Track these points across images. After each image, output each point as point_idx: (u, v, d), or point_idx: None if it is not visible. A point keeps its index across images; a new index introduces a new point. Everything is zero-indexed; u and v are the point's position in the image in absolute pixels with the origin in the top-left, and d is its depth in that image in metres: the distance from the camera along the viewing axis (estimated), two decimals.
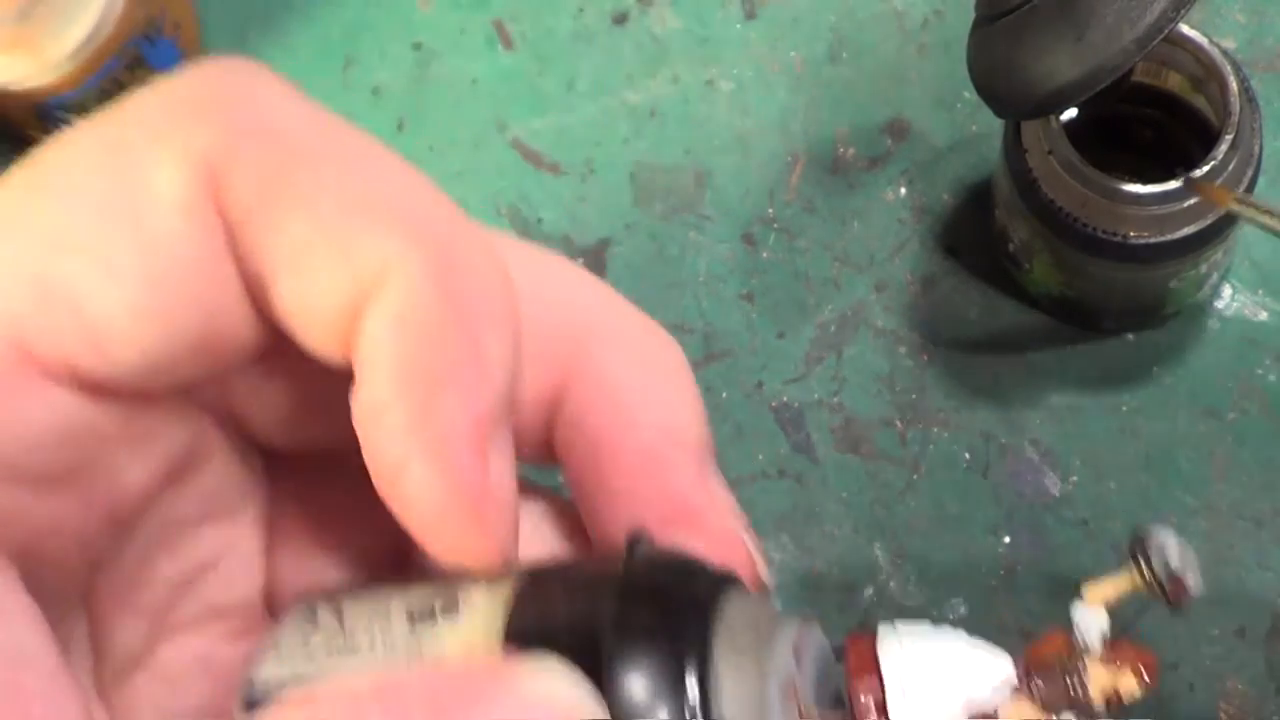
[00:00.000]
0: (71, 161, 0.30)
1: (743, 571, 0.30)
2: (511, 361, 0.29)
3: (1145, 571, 0.29)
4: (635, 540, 0.28)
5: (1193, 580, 0.29)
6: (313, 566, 0.36)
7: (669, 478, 0.31)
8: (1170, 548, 0.29)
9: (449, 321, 0.29)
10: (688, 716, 0.26)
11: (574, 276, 0.33)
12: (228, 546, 0.34)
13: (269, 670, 0.30)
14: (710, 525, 0.31)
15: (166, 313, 0.29)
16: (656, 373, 0.32)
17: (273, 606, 0.36)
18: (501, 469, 0.29)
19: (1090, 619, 0.29)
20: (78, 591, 0.31)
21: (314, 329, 0.29)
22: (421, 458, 0.28)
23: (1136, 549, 0.29)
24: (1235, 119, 0.46)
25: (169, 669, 0.33)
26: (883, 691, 0.28)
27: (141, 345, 0.29)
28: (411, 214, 0.30)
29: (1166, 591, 0.29)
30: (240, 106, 0.30)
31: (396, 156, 0.30)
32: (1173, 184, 0.46)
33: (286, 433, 0.34)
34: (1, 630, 0.28)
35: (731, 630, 0.27)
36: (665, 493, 0.31)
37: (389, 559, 0.37)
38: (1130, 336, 0.53)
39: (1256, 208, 0.44)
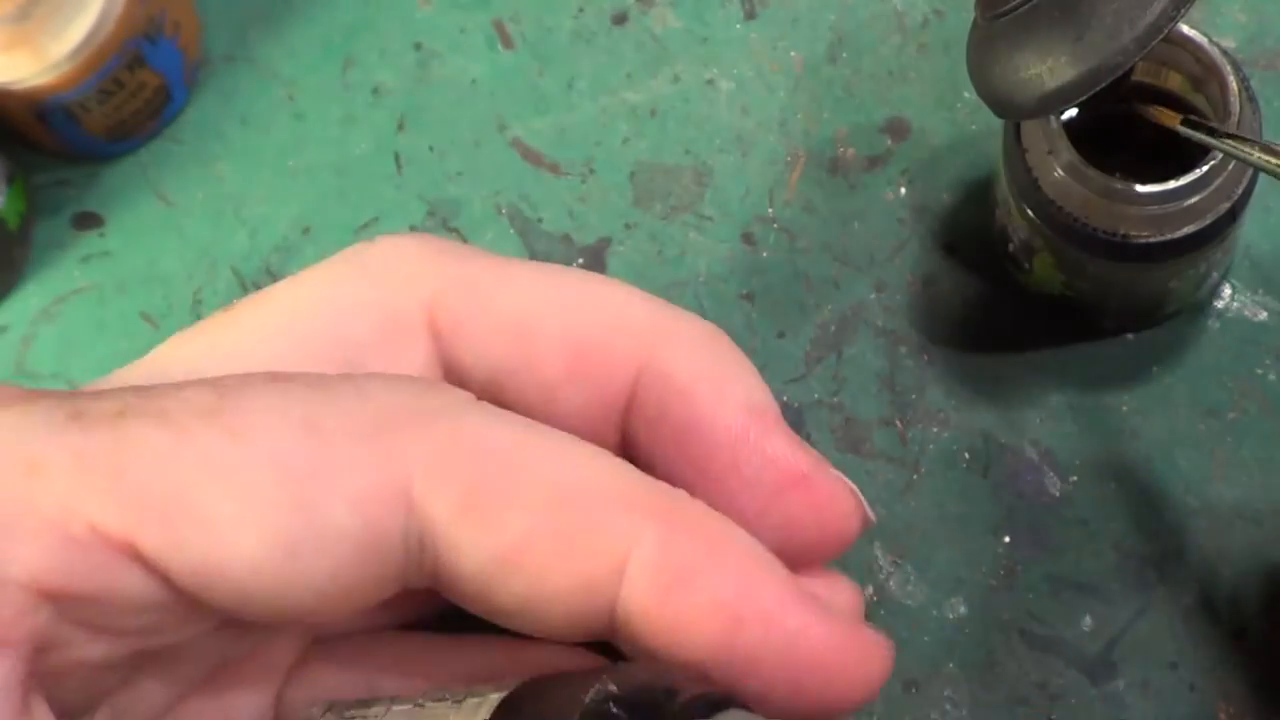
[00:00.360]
0: (262, 414, 0.31)
1: (855, 518, 0.34)
2: (760, 548, 0.32)
3: None
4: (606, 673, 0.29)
5: None
6: (324, 684, 0.37)
7: (768, 447, 0.33)
8: None
9: (711, 562, 0.31)
10: None
11: (624, 291, 0.34)
12: (250, 660, 0.35)
13: None
14: (821, 483, 0.33)
15: (290, 580, 0.30)
16: (720, 358, 0.34)
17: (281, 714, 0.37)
18: (831, 602, 0.32)
19: None
20: (88, 704, 0.32)
21: (549, 620, 0.32)
22: (799, 658, 0.31)
23: None
24: (1235, 119, 0.46)
25: None
26: None
27: (249, 594, 0.30)
28: (616, 495, 0.32)
29: None
30: (441, 424, 0.31)
31: (586, 444, 0.32)
32: (1173, 184, 0.46)
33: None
34: None
35: None
36: (770, 462, 0.33)
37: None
38: (1130, 336, 0.53)
39: (1206, 129, 0.44)
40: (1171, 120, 0.46)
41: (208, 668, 0.34)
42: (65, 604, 0.30)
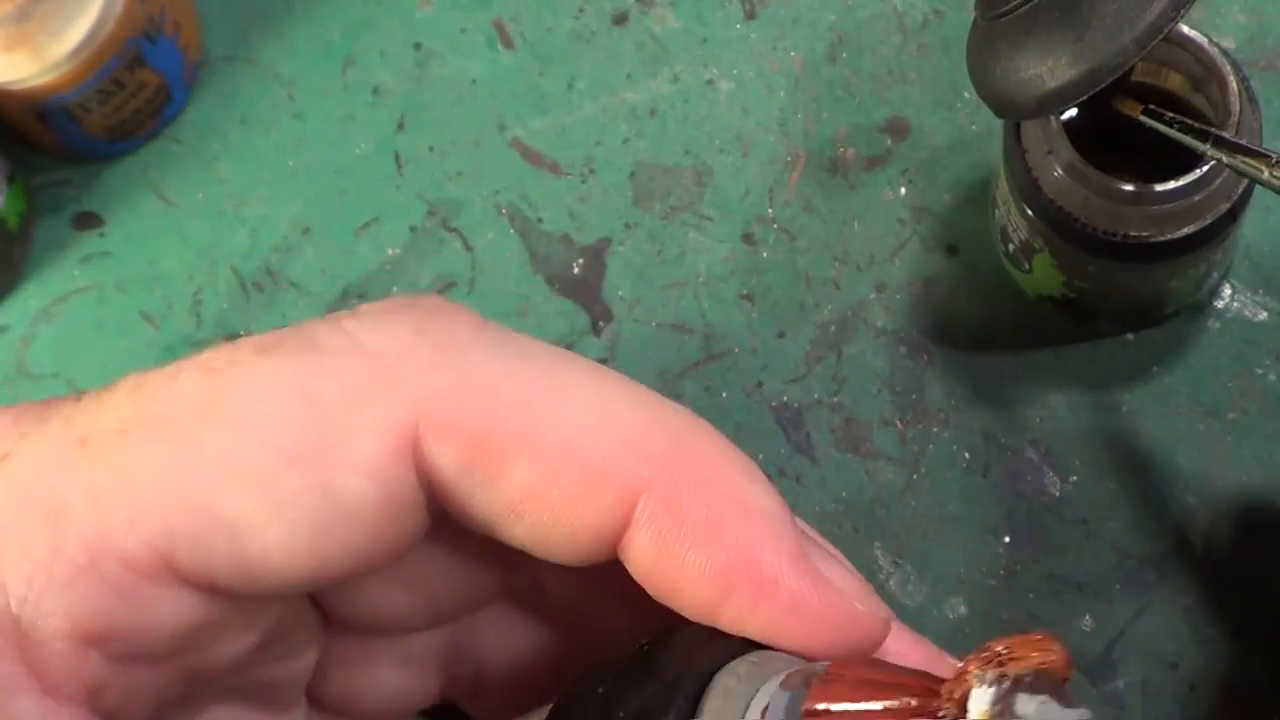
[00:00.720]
0: (259, 398, 0.31)
1: (880, 634, 0.32)
2: (769, 491, 0.31)
3: None
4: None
5: None
6: (362, 665, 0.37)
7: (810, 594, 0.31)
8: None
9: (718, 511, 0.31)
10: None
11: (629, 400, 0.33)
12: (288, 676, 0.35)
13: None
14: (850, 616, 0.32)
15: (324, 556, 0.30)
16: (738, 481, 0.32)
17: (314, 700, 0.37)
18: (831, 569, 0.32)
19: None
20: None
21: (556, 555, 0.32)
22: (809, 612, 0.31)
23: None
24: (1235, 119, 0.46)
25: None
26: None
27: (288, 578, 0.31)
28: (624, 443, 0.31)
29: None
30: (441, 366, 0.31)
31: (591, 378, 0.32)
32: (1173, 184, 0.46)
33: (359, 618, 0.35)
34: None
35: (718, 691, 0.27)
36: (805, 600, 0.32)
37: (438, 656, 0.38)
38: (1130, 336, 0.53)
39: (1167, 121, 0.45)
40: (1133, 110, 0.46)
41: (246, 676, 0.35)
42: (111, 645, 0.30)
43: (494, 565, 0.35)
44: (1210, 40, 0.47)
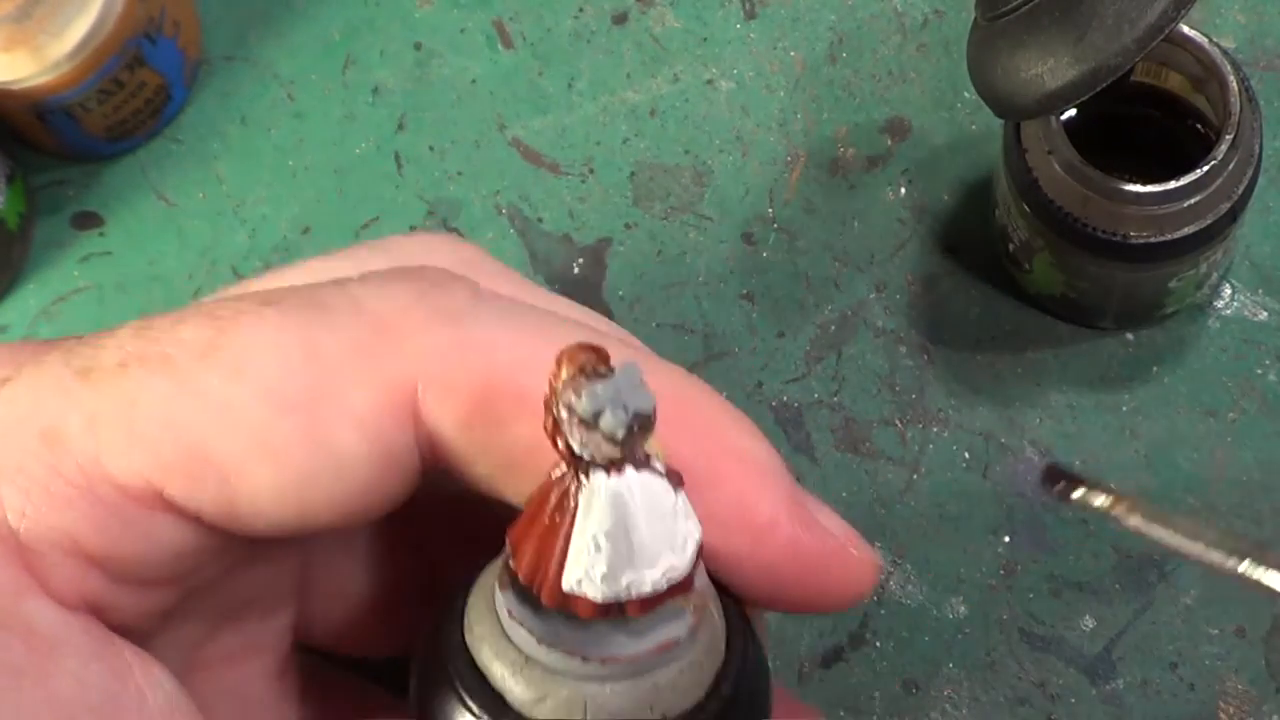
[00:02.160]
0: (260, 347, 0.31)
1: (872, 578, 0.33)
2: (764, 441, 0.32)
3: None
4: None
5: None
6: (341, 604, 0.37)
7: (803, 536, 0.32)
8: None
9: (716, 460, 0.32)
10: None
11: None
12: (267, 587, 0.36)
13: None
14: (849, 559, 0.33)
15: (310, 505, 0.31)
16: (738, 441, 0.33)
17: (304, 637, 0.37)
18: (825, 516, 0.32)
19: None
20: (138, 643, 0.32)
21: None
22: (806, 556, 0.32)
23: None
24: (1235, 119, 0.46)
25: (199, 698, 0.34)
26: None
27: (273, 521, 0.31)
28: None
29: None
30: (441, 328, 0.31)
31: (597, 321, 0.33)
32: (1173, 184, 0.46)
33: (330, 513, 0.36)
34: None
35: None
36: (802, 546, 0.32)
37: (415, 590, 0.38)
38: (1130, 336, 0.53)
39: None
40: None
41: (232, 600, 0.35)
42: (110, 564, 0.30)
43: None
44: (1210, 40, 0.47)
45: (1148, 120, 0.50)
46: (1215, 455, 0.51)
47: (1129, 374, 0.52)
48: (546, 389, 0.27)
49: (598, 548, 0.27)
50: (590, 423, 0.26)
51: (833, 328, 0.53)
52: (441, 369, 0.31)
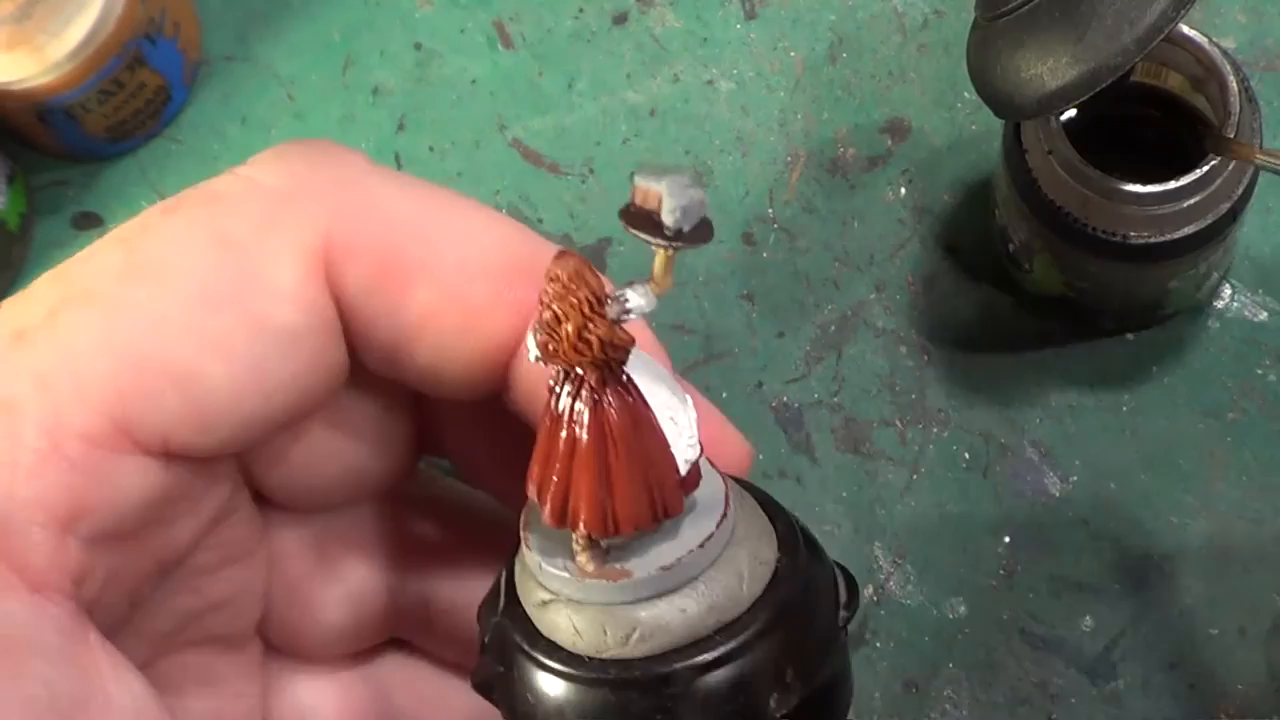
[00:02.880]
0: (175, 251, 0.31)
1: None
2: (651, 336, 0.34)
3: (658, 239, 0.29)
4: None
5: (679, 207, 0.28)
6: (309, 602, 0.37)
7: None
8: (663, 199, 0.28)
9: None
10: None
11: (500, 224, 0.35)
12: (239, 589, 0.36)
13: None
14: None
15: (267, 390, 0.31)
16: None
17: (264, 638, 0.37)
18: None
19: (640, 299, 0.29)
20: (115, 628, 0.32)
21: (454, 379, 0.33)
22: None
23: (630, 222, 0.29)
24: (1235, 119, 0.46)
25: (165, 678, 0.34)
26: None
27: (239, 418, 0.31)
28: (516, 267, 0.33)
29: (688, 236, 0.29)
30: (341, 192, 0.32)
31: (482, 210, 0.33)
32: (1173, 184, 0.46)
33: (291, 489, 0.36)
34: (123, 691, 0.30)
35: None
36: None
37: (386, 593, 0.38)
38: (1130, 336, 0.53)
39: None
40: (1250, 155, 0.44)
41: (200, 600, 0.35)
42: (84, 524, 0.30)
43: (406, 423, 0.36)
44: (1210, 40, 0.47)
45: (1148, 120, 0.50)
46: (1215, 455, 0.51)
47: (1129, 374, 0.52)
48: (539, 311, 0.28)
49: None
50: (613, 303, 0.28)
51: (833, 328, 0.53)
52: (348, 230, 0.31)
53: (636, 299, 0.29)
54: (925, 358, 0.53)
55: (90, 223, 0.57)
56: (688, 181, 0.28)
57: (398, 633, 0.39)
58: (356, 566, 0.38)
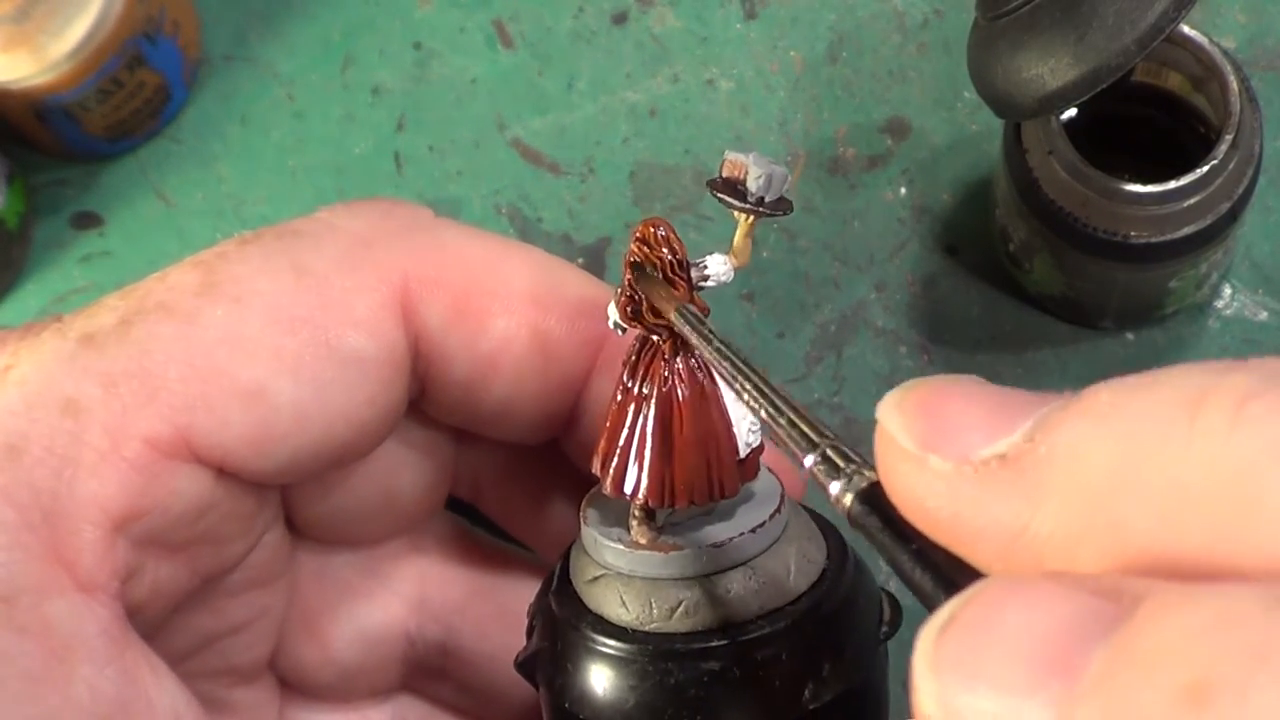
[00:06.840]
0: (253, 275, 0.32)
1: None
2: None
3: (743, 204, 0.31)
4: None
5: (765, 179, 0.30)
6: (323, 638, 0.37)
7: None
8: (750, 172, 0.30)
9: None
10: None
11: (568, 269, 0.37)
12: (258, 613, 0.36)
13: None
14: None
15: (329, 416, 0.32)
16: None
17: (277, 674, 0.37)
18: None
19: (720, 265, 0.31)
20: (148, 639, 0.33)
21: (525, 414, 0.35)
22: None
23: (718, 190, 0.31)
24: (1236, 119, 0.46)
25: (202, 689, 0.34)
26: None
27: (298, 444, 0.32)
28: (586, 301, 0.35)
29: (770, 205, 0.31)
30: (416, 236, 0.34)
31: (545, 253, 0.36)
32: (1173, 184, 0.46)
33: (322, 523, 0.36)
34: (163, 695, 0.31)
35: None
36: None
37: (403, 638, 0.38)
38: (1130, 336, 0.53)
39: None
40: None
41: (223, 616, 0.35)
42: (136, 525, 0.31)
43: (445, 465, 0.37)
44: (1210, 40, 0.47)
45: (1148, 120, 0.50)
46: None
47: (1129, 374, 0.52)
48: (624, 272, 0.29)
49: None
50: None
51: (833, 328, 0.53)
52: (428, 267, 0.33)
53: (716, 266, 0.30)
54: (925, 358, 0.53)
55: (90, 222, 0.57)
56: (773, 159, 0.30)
57: (411, 683, 0.39)
58: (374, 607, 0.38)
